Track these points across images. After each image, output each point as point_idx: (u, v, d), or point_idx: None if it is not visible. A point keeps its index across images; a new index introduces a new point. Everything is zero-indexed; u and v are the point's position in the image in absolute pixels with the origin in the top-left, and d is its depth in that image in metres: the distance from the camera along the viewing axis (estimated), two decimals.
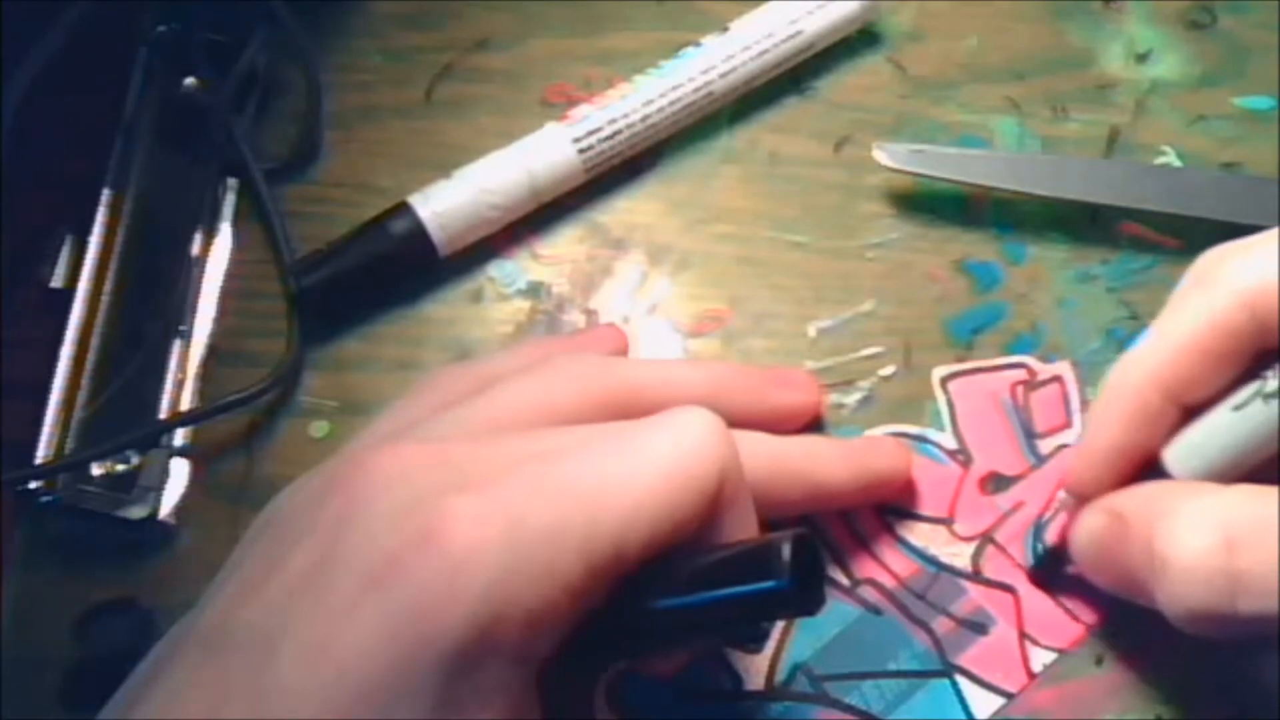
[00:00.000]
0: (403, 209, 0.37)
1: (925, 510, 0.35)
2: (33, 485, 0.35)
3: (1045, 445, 0.36)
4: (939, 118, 0.40)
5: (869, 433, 0.36)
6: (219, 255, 0.39)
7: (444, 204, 0.37)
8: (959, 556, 0.35)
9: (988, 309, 0.38)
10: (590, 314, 0.38)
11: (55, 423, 0.35)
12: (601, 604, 0.27)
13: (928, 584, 0.34)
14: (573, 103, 0.39)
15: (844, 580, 0.35)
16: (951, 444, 0.36)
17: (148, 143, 0.39)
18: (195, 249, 0.38)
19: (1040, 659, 0.34)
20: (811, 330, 0.38)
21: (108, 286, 0.37)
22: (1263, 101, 0.40)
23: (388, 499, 0.26)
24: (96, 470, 0.35)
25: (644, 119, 0.38)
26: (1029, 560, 0.34)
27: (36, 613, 0.35)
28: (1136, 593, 0.30)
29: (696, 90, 0.39)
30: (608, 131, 0.38)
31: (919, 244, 0.39)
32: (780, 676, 0.34)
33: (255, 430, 0.37)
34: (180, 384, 0.37)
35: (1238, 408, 0.29)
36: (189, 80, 0.39)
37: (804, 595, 0.27)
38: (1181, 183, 0.38)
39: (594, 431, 0.29)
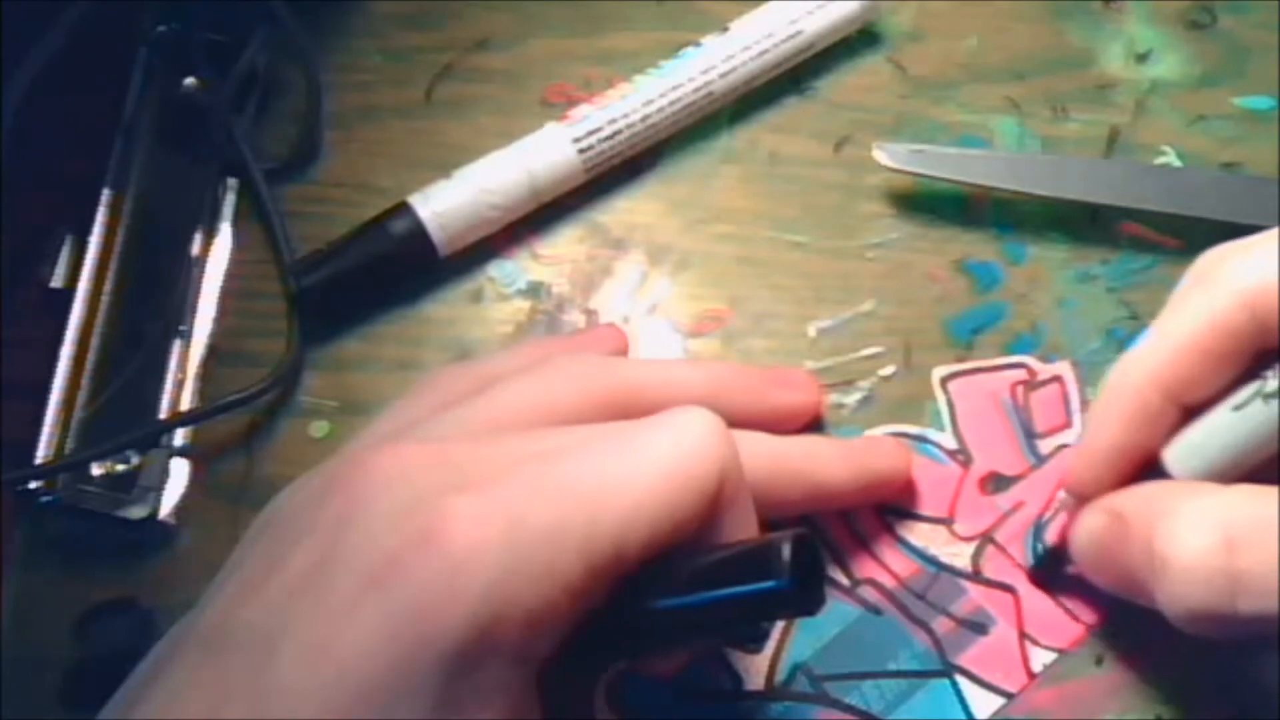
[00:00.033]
0: (403, 209, 0.37)
1: (925, 510, 0.35)
2: (33, 485, 0.35)
3: (1045, 445, 0.36)
4: (939, 118, 0.40)
5: (869, 433, 0.36)
6: (219, 255, 0.39)
7: (444, 204, 0.37)
8: (959, 556, 0.35)
9: (988, 309, 0.38)
10: (590, 314, 0.38)
11: (55, 423, 0.35)
12: (601, 604, 0.27)
13: (928, 584, 0.34)
14: (573, 103, 0.39)
15: (844, 580, 0.35)
16: (951, 444, 0.36)
17: (148, 143, 0.39)
18: (195, 249, 0.38)
19: (1040, 659, 0.34)
20: (811, 330, 0.38)
21: (108, 286, 0.37)
22: (1263, 101, 0.40)
23: (388, 499, 0.26)
24: (96, 470, 0.35)
25: (644, 119, 0.38)
26: (1029, 560, 0.34)
27: (36, 613, 0.35)
28: (1136, 593, 0.30)
29: (696, 90, 0.39)
30: (608, 131, 0.38)
31: (919, 244, 0.39)
32: (780, 676, 0.34)
33: (255, 430, 0.37)
34: (180, 384, 0.37)
35: (1238, 408, 0.29)
36: (189, 80, 0.39)
37: (804, 595, 0.27)
38: (1181, 183, 0.38)
39: (594, 431, 0.29)
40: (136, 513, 0.35)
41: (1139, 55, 0.41)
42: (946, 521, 0.35)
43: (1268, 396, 0.29)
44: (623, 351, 0.37)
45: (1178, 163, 0.39)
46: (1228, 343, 0.29)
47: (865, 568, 0.35)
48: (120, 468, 0.35)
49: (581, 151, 0.38)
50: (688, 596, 0.27)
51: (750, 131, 0.40)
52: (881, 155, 0.38)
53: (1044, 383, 0.37)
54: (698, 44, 0.39)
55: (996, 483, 0.36)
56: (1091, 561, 0.32)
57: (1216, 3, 0.41)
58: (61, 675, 0.34)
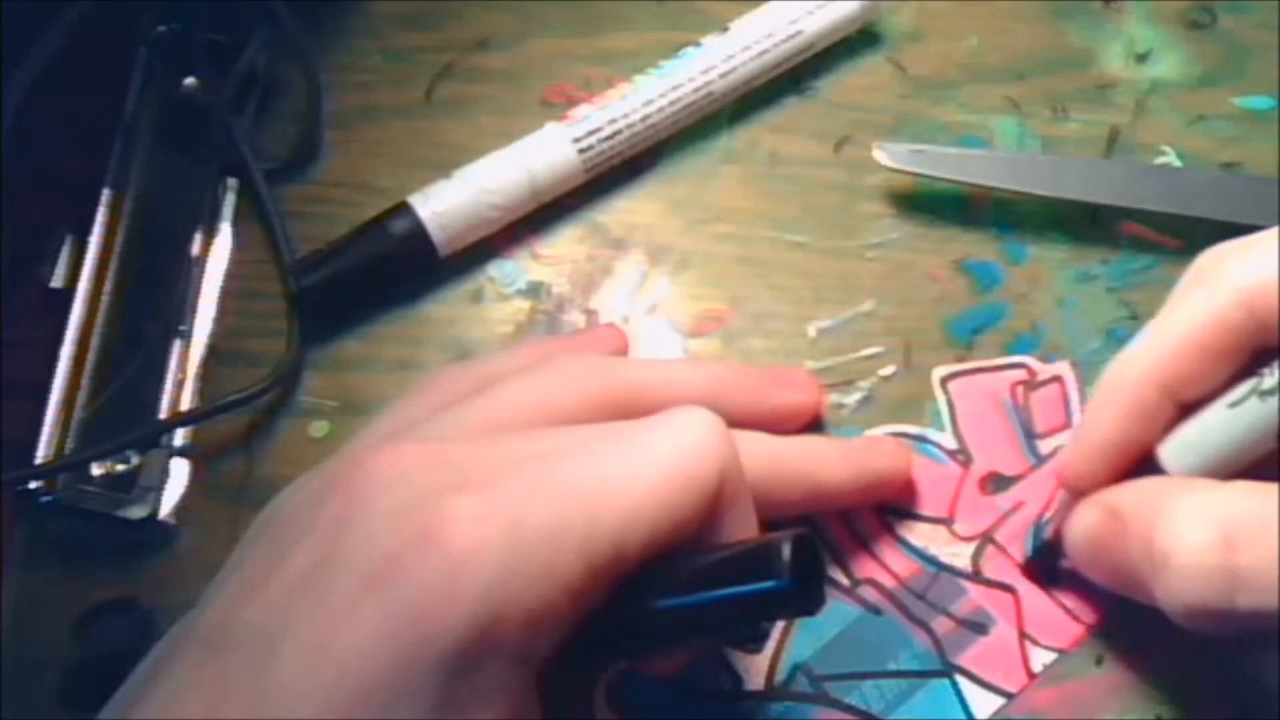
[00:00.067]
0: (403, 209, 0.37)
1: (925, 510, 0.35)
2: (33, 485, 0.35)
3: (1045, 445, 0.36)
4: (939, 118, 0.40)
5: (869, 433, 0.36)
6: (219, 255, 0.39)
7: (444, 204, 0.37)
8: (959, 556, 0.35)
9: (988, 309, 0.38)
10: (590, 314, 0.38)
11: (55, 423, 0.35)
12: (601, 604, 0.27)
13: (928, 584, 0.34)
14: (573, 103, 0.39)
15: (844, 580, 0.35)
16: (951, 444, 0.36)
17: (148, 143, 0.39)
18: (195, 249, 0.38)
19: (1040, 659, 0.34)
20: (811, 330, 0.38)
21: (108, 286, 0.37)
22: (1263, 101, 0.40)
23: (388, 499, 0.26)
24: (96, 470, 0.35)
25: (644, 119, 0.38)
26: (1027, 553, 0.34)
27: (36, 613, 0.35)
28: (1133, 588, 0.30)
29: (696, 90, 0.39)
30: (608, 131, 0.38)
31: (919, 244, 0.39)
32: (780, 676, 0.34)
33: (255, 430, 0.37)
34: (180, 384, 0.37)
35: (1233, 405, 0.29)
36: (189, 80, 0.39)
37: (804, 595, 0.27)
38: (1181, 183, 0.38)
39: (594, 431, 0.29)
40: (136, 513, 0.35)
41: (1139, 55, 0.41)
42: (946, 521, 0.35)
43: (1263, 394, 0.29)
44: (623, 351, 0.37)
45: (1178, 163, 0.39)
46: (1225, 340, 0.29)
47: (865, 568, 0.35)
48: (120, 468, 0.35)
49: (581, 151, 0.38)
50: (688, 596, 0.27)
51: (750, 131, 0.40)
52: (881, 155, 0.38)
53: (1044, 383, 0.37)
54: (698, 44, 0.39)
55: (996, 483, 0.36)
56: (1086, 557, 0.32)
57: (1216, 3, 0.41)
58: (61, 675, 0.34)
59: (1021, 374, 0.37)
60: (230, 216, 0.39)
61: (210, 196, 0.39)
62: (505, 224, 0.38)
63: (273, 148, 0.40)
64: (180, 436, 0.36)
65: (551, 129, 0.38)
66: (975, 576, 0.35)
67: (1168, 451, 0.30)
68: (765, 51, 0.39)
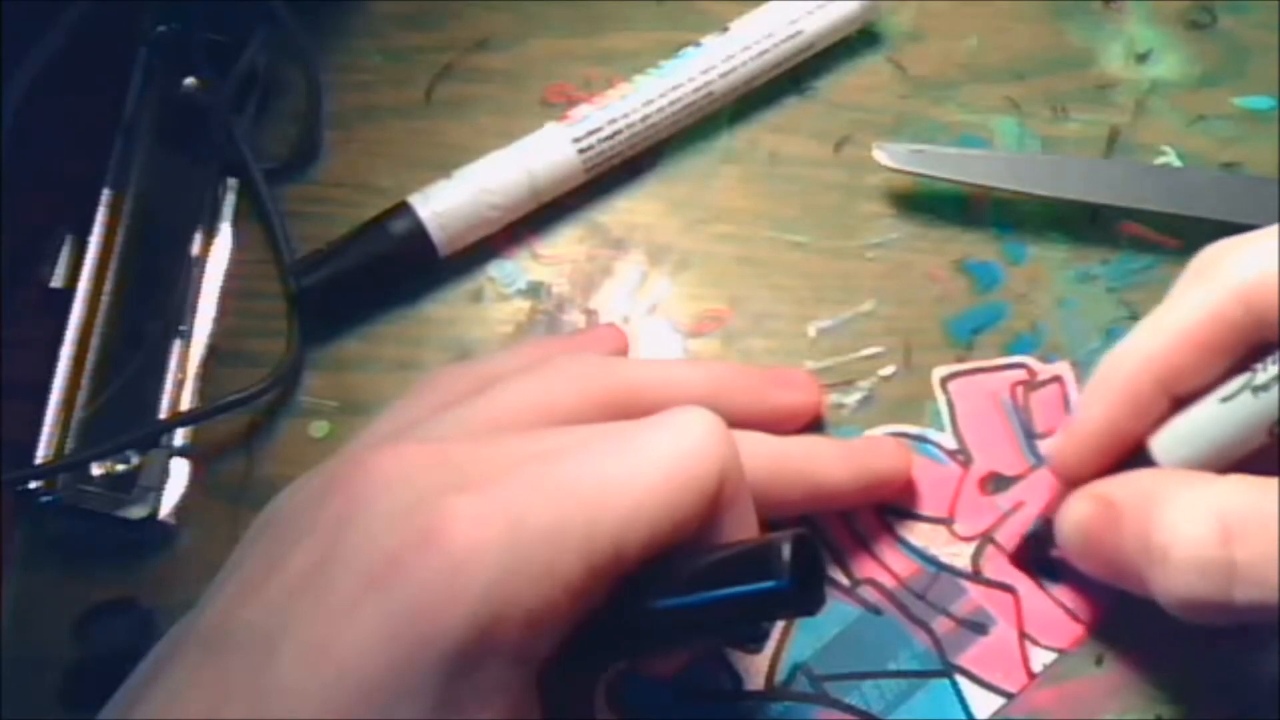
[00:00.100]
0: (403, 209, 0.37)
1: (925, 510, 0.35)
2: (33, 485, 0.35)
3: (1045, 445, 0.36)
4: (939, 118, 0.40)
5: (869, 433, 0.36)
6: (219, 255, 0.39)
7: (444, 204, 0.37)
8: (959, 556, 0.35)
9: (988, 309, 0.38)
10: (590, 314, 0.38)
11: (55, 423, 0.35)
12: (601, 604, 0.27)
13: (928, 584, 0.34)
14: (573, 103, 0.39)
15: (844, 580, 0.35)
16: (951, 444, 0.36)
17: (148, 143, 0.39)
18: (195, 249, 0.38)
19: (1040, 659, 0.34)
20: (811, 330, 0.38)
21: (108, 286, 0.37)
22: (1263, 101, 0.40)
23: (388, 499, 0.26)
24: (96, 470, 0.35)
25: (644, 119, 0.38)
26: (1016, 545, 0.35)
27: (36, 613, 0.35)
28: (1127, 580, 0.30)
29: (696, 90, 0.39)
30: (608, 131, 0.38)
31: (919, 244, 0.39)
32: (780, 676, 0.34)
33: (255, 430, 0.37)
34: (180, 384, 0.37)
35: (1226, 399, 0.29)
36: (189, 80, 0.39)
37: (804, 595, 0.27)
38: (1181, 183, 0.38)
39: (594, 431, 0.29)
40: (136, 513, 0.35)
41: (1139, 55, 0.41)
42: (946, 521, 0.35)
43: (1256, 389, 0.29)
44: (623, 351, 0.37)
45: (1178, 163, 0.39)
46: (1221, 335, 0.29)
47: (865, 568, 0.35)
48: (120, 468, 0.35)
49: (581, 151, 0.38)
50: (688, 596, 0.27)
51: (750, 131, 0.40)
52: (881, 155, 0.38)
53: (1044, 383, 0.37)
54: (698, 44, 0.39)
55: (996, 483, 0.36)
56: (1078, 548, 0.32)
57: (1216, 3, 0.41)
58: (61, 675, 0.34)
59: (1021, 374, 0.37)
60: (230, 216, 0.39)
61: (210, 196, 0.39)
62: (505, 224, 0.38)
63: (273, 148, 0.40)
64: (180, 436, 0.36)
65: (551, 129, 0.38)
66: (975, 576, 0.35)
67: (1159, 444, 0.31)
68: (765, 51, 0.39)
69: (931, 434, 0.36)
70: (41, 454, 0.35)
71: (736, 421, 0.30)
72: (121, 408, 0.36)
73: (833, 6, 0.40)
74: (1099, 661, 0.34)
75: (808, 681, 0.34)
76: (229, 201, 0.39)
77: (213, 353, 0.38)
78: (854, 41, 0.41)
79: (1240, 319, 0.29)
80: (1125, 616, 0.33)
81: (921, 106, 0.40)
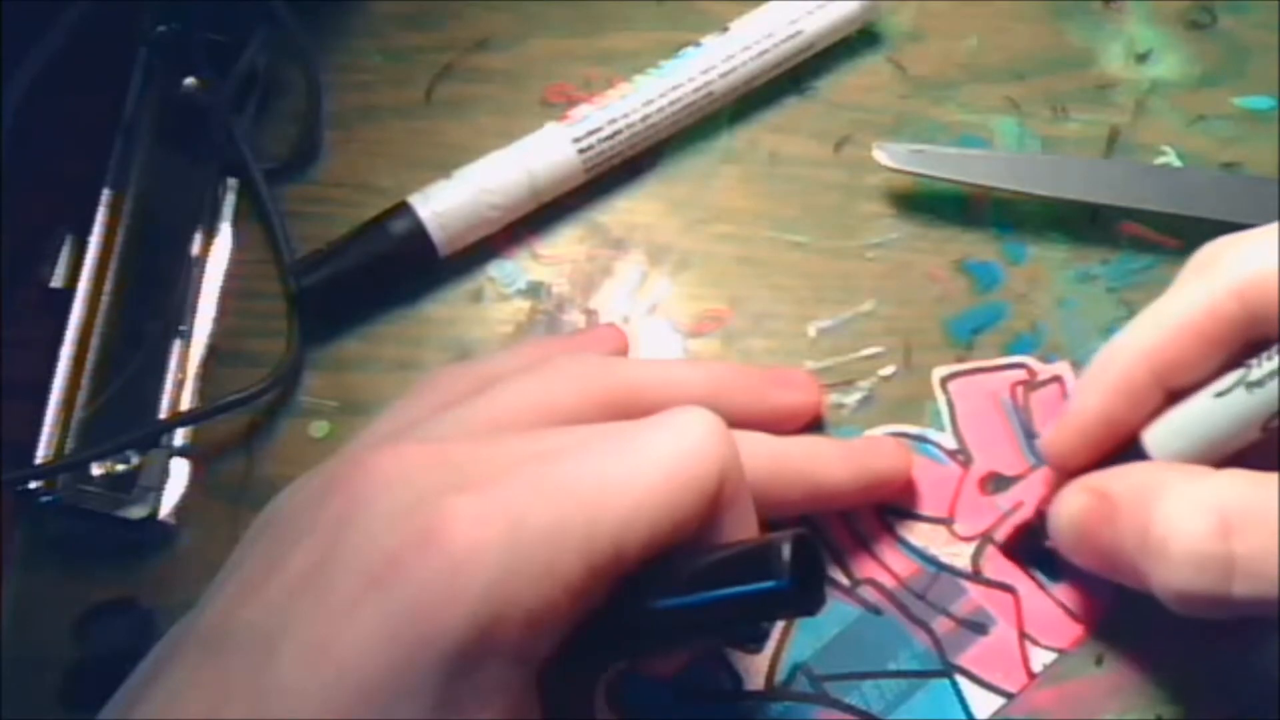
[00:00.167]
0: (403, 209, 0.37)
1: (925, 510, 0.35)
2: (33, 485, 0.35)
3: (1040, 434, 0.36)
4: (939, 118, 0.40)
5: (869, 433, 0.36)
6: (219, 255, 0.39)
7: (444, 204, 0.37)
8: (959, 556, 0.35)
9: (988, 309, 0.38)
10: (590, 314, 0.38)
11: (55, 423, 0.35)
12: (601, 604, 0.27)
13: (928, 584, 0.34)
14: (573, 103, 0.39)
15: (844, 580, 0.35)
16: (951, 444, 0.36)
17: (148, 143, 0.39)
18: (195, 249, 0.38)
19: (1040, 659, 0.34)
20: (811, 330, 0.38)
21: (108, 286, 0.37)
22: (1263, 101, 0.40)
23: (388, 499, 0.26)
24: (96, 470, 0.35)
25: (644, 119, 0.38)
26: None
27: (36, 613, 0.35)
28: (1123, 573, 0.30)
29: (696, 90, 0.39)
30: (608, 131, 0.38)
31: (919, 244, 0.39)
32: (780, 676, 0.34)
33: (255, 430, 0.37)
34: (180, 384, 0.37)
35: (1220, 394, 0.29)
36: (189, 80, 0.39)
37: (804, 595, 0.27)
38: (1181, 183, 0.38)
39: (594, 431, 0.29)
40: (136, 513, 0.35)
41: (1139, 55, 0.41)
42: (946, 521, 0.35)
43: (1250, 385, 0.29)
44: (623, 351, 0.37)
45: (1178, 163, 0.39)
46: (1218, 329, 0.30)
47: (865, 568, 0.35)
48: (120, 468, 0.35)
49: (581, 151, 0.38)
50: (688, 596, 0.27)
51: (750, 131, 0.40)
52: (881, 155, 0.38)
53: (1044, 383, 0.37)
54: (698, 44, 0.39)
55: (996, 483, 0.36)
56: (1073, 541, 0.32)
57: (1216, 3, 0.42)
58: (61, 675, 0.34)
59: (1021, 374, 0.37)
60: (230, 216, 0.39)
61: (210, 196, 0.39)
62: (505, 224, 0.38)
63: (273, 148, 0.40)
64: (180, 436, 0.36)
65: (551, 129, 0.38)
66: (975, 576, 0.35)
67: (1152, 436, 0.31)
68: (765, 51, 0.39)
69: (931, 434, 0.36)
70: (41, 454, 0.35)
71: (736, 421, 0.30)
72: (121, 408, 0.36)
73: (833, 6, 0.40)
74: (1099, 661, 0.34)
75: (808, 681, 0.34)
76: (229, 201, 0.39)
77: (213, 353, 0.38)
78: (854, 41, 0.41)
79: (1236, 314, 0.29)
80: (1125, 616, 0.33)
81: (921, 106, 0.40)
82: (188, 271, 0.38)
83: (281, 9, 0.39)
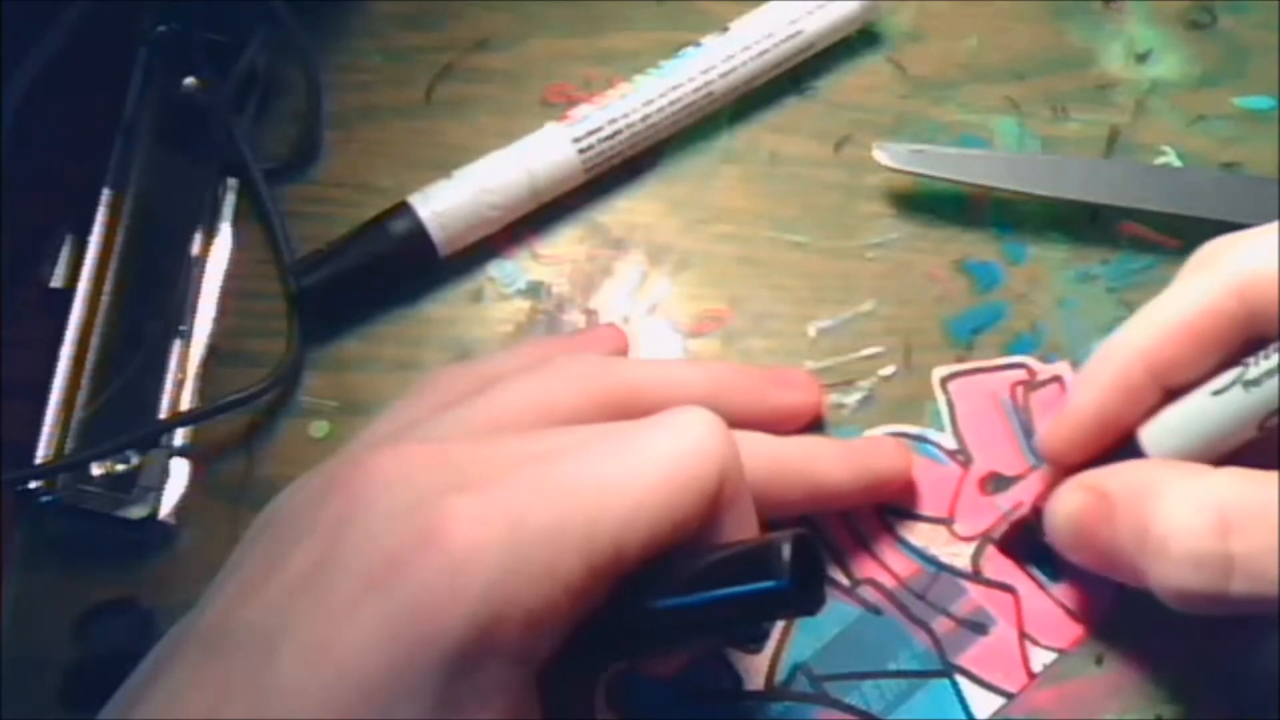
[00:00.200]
0: (403, 209, 0.37)
1: (925, 510, 0.35)
2: (33, 485, 0.35)
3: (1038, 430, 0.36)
4: (939, 118, 0.40)
5: (869, 433, 0.36)
6: (219, 255, 0.39)
7: (444, 204, 0.37)
8: (959, 556, 0.35)
9: (988, 309, 0.38)
10: (590, 314, 0.38)
11: (55, 423, 0.35)
12: (601, 604, 0.27)
13: (928, 584, 0.34)
14: (573, 103, 0.39)
15: (844, 580, 0.35)
16: (951, 444, 0.36)
17: (148, 143, 0.39)
18: (195, 249, 0.38)
19: (1040, 659, 0.34)
20: (811, 330, 0.38)
21: (108, 286, 0.37)
22: (1263, 101, 0.40)
23: (388, 499, 0.26)
24: (96, 470, 0.35)
25: (644, 119, 0.38)
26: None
27: (36, 613, 0.35)
28: (1120, 571, 0.30)
29: (696, 90, 0.39)
30: (608, 131, 0.38)
31: (919, 244, 0.39)
32: (780, 676, 0.34)
33: (255, 430, 0.37)
34: (180, 384, 0.37)
35: (1217, 393, 0.30)
36: (189, 80, 0.39)
37: (804, 595, 0.27)
38: (1181, 183, 0.38)
39: (594, 432, 0.29)
40: (136, 513, 0.35)
41: (1139, 55, 0.41)
42: (946, 521, 0.35)
43: (1247, 383, 0.29)
44: (623, 351, 0.37)
45: (1178, 163, 0.39)
46: (1216, 327, 0.30)
47: (865, 568, 0.35)
48: (120, 468, 0.35)
49: (581, 151, 0.38)
50: (688, 596, 0.27)
51: (750, 131, 0.40)
52: (881, 155, 0.38)
53: (1044, 383, 0.37)
54: (698, 44, 0.39)
55: (996, 483, 0.36)
56: (1070, 538, 0.32)
57: (1216, 3, 0.42)
58: (61, 675, 0.34)
59: (1021, 374, 0.37)
60: (230, 216, 0.39)
61: (210, 196, 0.39)
62: (505, 224, 0.38)
63: (273, 148, 0.40)
64: (180, 436, 0.36)
65: (551, 129, 0.38)
66: (975, 576, 0.35)
67: (1148, 434, 0.31)
68: (765, 51, 0.39)
69: (931, 434, 0.36)
70: (41, 454, 0.35)
71: (736, 421, 0.30)
72: (121, 408, 0.36)
73: (833, 6, 0.40)
74: (1099, 661, 0.34)
75: (808, 681, 0.34)
76: (229, 201, 0.39)
77: (213, 353, 0.38)
78: (854, 41, 0.41)
79: (1234, 313, 0.29)
80: (1125, 616, 0.33)
81: (921, 106, 0.40)
82: (188, 271, 0.38)
83: (281, 9, 0.39)
